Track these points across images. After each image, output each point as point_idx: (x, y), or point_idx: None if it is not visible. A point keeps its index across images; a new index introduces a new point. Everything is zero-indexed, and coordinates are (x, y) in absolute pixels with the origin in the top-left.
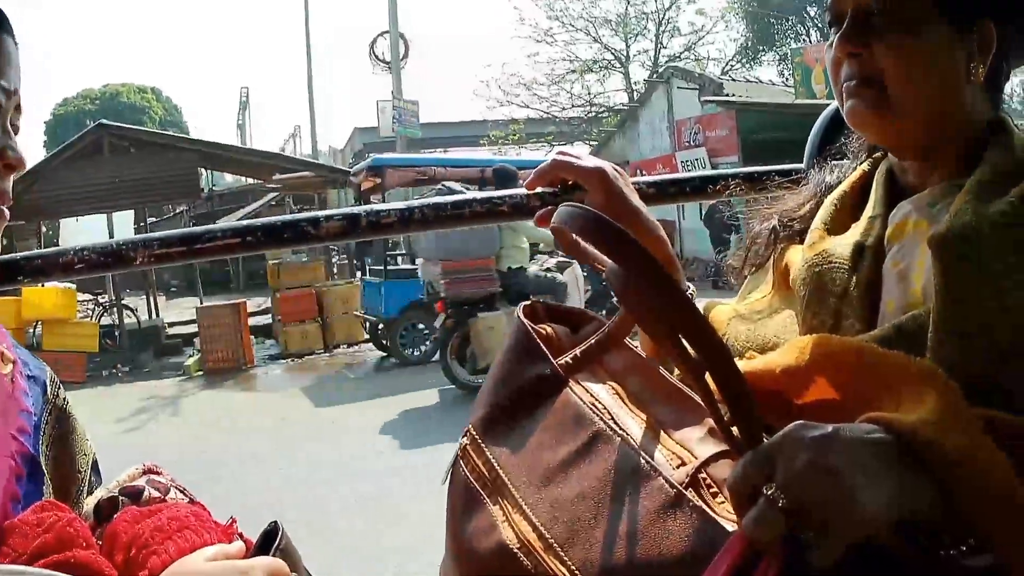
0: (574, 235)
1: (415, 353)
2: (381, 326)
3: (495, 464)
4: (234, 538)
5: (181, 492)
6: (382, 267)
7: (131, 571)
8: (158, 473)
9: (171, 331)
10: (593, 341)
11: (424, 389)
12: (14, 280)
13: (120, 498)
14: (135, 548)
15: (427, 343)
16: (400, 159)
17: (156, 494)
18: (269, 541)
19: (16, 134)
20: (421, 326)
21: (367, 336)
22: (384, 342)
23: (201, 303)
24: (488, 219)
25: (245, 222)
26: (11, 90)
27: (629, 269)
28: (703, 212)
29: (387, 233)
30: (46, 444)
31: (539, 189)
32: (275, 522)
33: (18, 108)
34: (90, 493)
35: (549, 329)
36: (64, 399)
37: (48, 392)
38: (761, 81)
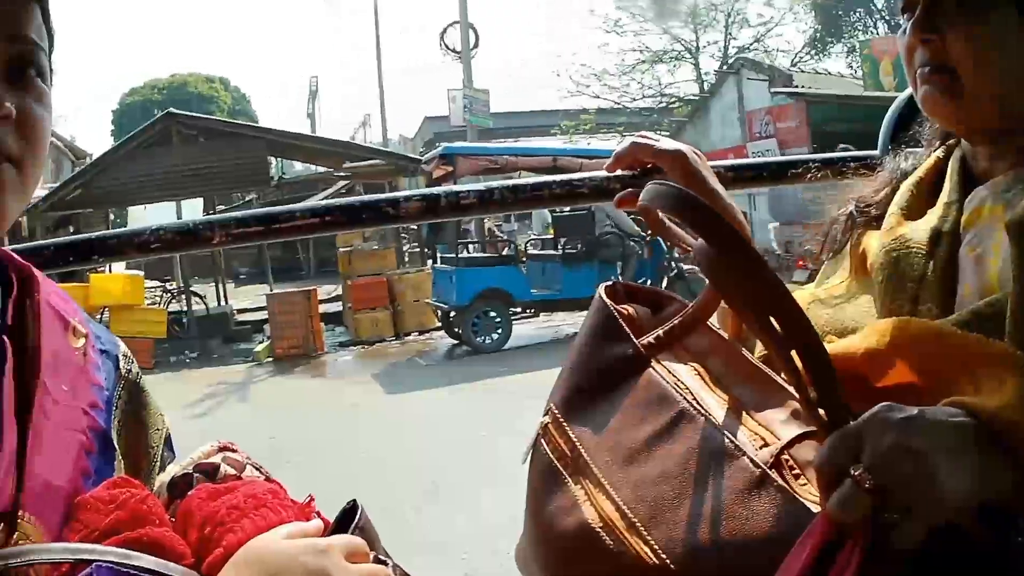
0: (661, 213)
1: (486, 341)
2: (453, 314)
3: (577, 443)
4: (312, 516)
5: (257, 470)
6: (454, 255)
7: (205, 549)
8: (234, 450)
9: (240, 318)
10: (676, 322)
11: (495, 377)
12: (88, 259)
13: (195, 475)
14: (210, 526)
15: (499, 331)
16: (471, 147)
17: (232, 471)
18: (347, 520)
19: (28, 74)
20: (493, 314)
21: (438, 324)
22: (456, 330)
23: (271, 290)
24: (567, 201)
25: (324, 202)
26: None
27: (719, 247)
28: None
29: (466, 214)
30: (118, 419)
31: (618, 172)
32: (354, 500)
33: (16, 38)
34: (162, 469)
35: (631, 309)
36: (137, 374)
37: (121, 367)
38: (830, 73)
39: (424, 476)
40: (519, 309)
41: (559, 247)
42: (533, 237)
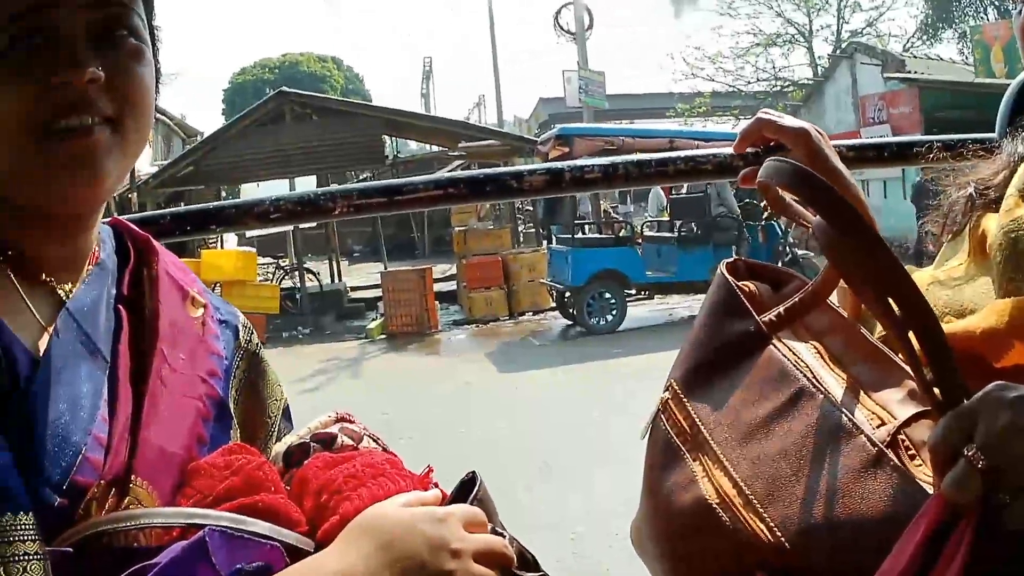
0: (780, 190)
1: (601, 322)
2: (568, 294)
3: (696, 419)
4: (430, 487)
5: (374, 441)
6: (570, 235)
7: (321, 517)
8: (351, 421)
9: (353, 295)
10: (796, 299)
11: (608, 358)
12: (205, 228)
13: (311, 444)
14: (326, 494)
15: (613, 312)
16: (587, 128)
17: (349, 442)
18: (465, 491)
19: (115, 34)
20: (607, 295)
21: (553, 304)
22: (570, 310)
23: (385, 268)
24: (691, 177)
25: (448, 174)
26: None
27: (839, 225)
28: (907, 191)
29: (590, 188)
30: (236, 388)
31: (753, 148)
32: (473, 472)
33: (94, 4)
34: (279, 439)
35: (752, 286)
36: (257, 345)
37: (240, 337)
38: (941, 59)
39: (536, 455)
40: (634, 291)
41: (675, 229)
42: (649, 219)
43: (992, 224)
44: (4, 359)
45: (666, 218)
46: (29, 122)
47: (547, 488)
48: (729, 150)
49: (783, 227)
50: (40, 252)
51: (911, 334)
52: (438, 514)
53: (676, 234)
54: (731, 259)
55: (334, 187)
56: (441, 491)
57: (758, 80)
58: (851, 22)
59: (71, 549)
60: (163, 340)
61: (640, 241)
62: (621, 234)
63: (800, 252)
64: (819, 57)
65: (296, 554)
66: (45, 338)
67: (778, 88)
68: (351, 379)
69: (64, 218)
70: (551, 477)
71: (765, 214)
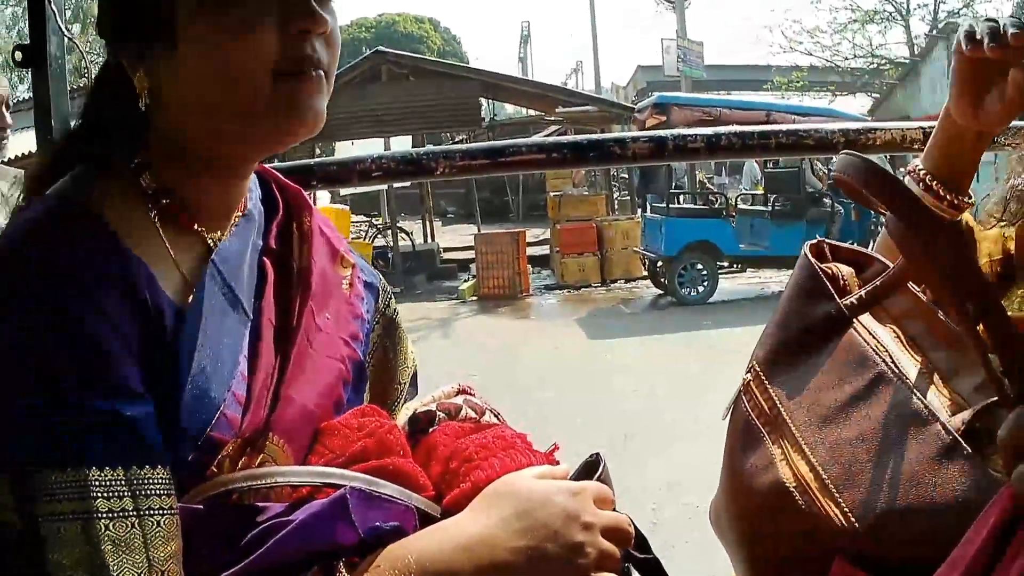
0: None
1: (692, 294)
2: (660, 264)
3: (777, 402)
4: (555, 463)
5: (496, 416)
6: (665, 205)
7: (449, 483)
8: (473, 394)
9: (446, 256)
10: (878, 283)
11: (698, 330)
12: (307, 186)
13: (437, 413)
14: (456, 461)
15: (705, 284)
16: (685, 98)
17: (472, 415)
18: (590, 471)
19: None
20: (700, 266)
21: (645, 273)
22: (662, 280)
23: (479, 230)
24: (793, 151)
25: (552, 138)
26: None
27: (904, 219)
28: (1000, 174)
29: (693, 157)
30: (370, 353)
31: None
32: (597, 454)
33: None
34: (405, 403)
35: (835, 269)
36: (395, 310)
37: (380, 301)
38: None
39: (620, 423)
40: (726, 263)
41: (769, 203)
42: (744, 192)
43: None
44: (152, 310)
45: (760, 192)
46: (270, 63)
47: (628, 457)
48: (831, 126)
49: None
50: (199, 200)
51: (980, 326)
52: (573, 488)
53: (770, 208)
54: (815, 240)
55: (437, 147)
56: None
57: (855, 56)
58: (948, 2)
59: (201, 507)
60: (314, 298)
61: (734, 214)
62: (716, 206)
63: None
64: (916, 36)
65: (426, 518)
66: (189, 289)
67: (874, 66)
68: (441, 339)
69: (239, 162)
70: (633, 446)
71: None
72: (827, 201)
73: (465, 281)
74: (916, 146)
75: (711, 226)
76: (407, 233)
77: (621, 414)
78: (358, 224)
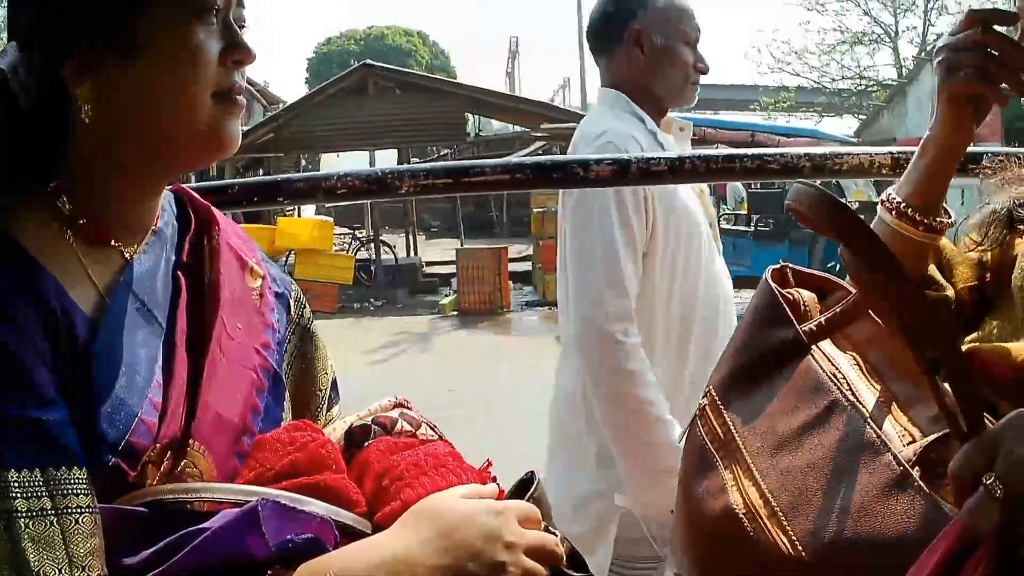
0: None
1: None
2: None
3: (731, 427)
4: (488, 481)
5: (432, 429)
6: None
7: (381, 500)
8: (409, 408)
9: (428, 270)
10: (838, 309)
11: None
12: (274, 200)
13: (373, 427)
14: (388, 479)
15: None
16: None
17: (408, 428)
18: (523, 489)
19: (243, 28)
20: None
21: None
22: None
23: (462, 245)
24: (758, 176)
25: (515, 159)
26: None
27: (854, 249)
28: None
29: (656, 181)
30: (288, 362)
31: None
32: (531, 471)
33: (240, 3)
34: (329, 409)
35: (796, 294)
36: (308, 319)
37: (292, 311)
38: None
39: None
40: None
41: (752, 224)
42: (727, 212)
43: (1020, 251)
44: (63, 321)
45: (744, 212)
46: (211, 88)
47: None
48: (797, 150)
49: None
50: (116, 217)
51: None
52: (495, 507)
53: (753, 228)
54: (777, 266)
55: (402, 166)
56: (498, 486)
57: (843, 78)
58: (937, 24)
59: (145, 510)
60: (223, 309)
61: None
62: None
63: None
64: (904, 59)
65: (354, 534)
66: (104, 303)
67: (862, 87)
68: (420, 353)
69: (161, 179)
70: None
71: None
72: None
73: (446, 296)
74: (884, 171)
75: None
76: (390, 247)
77: None
78: (341, 236)
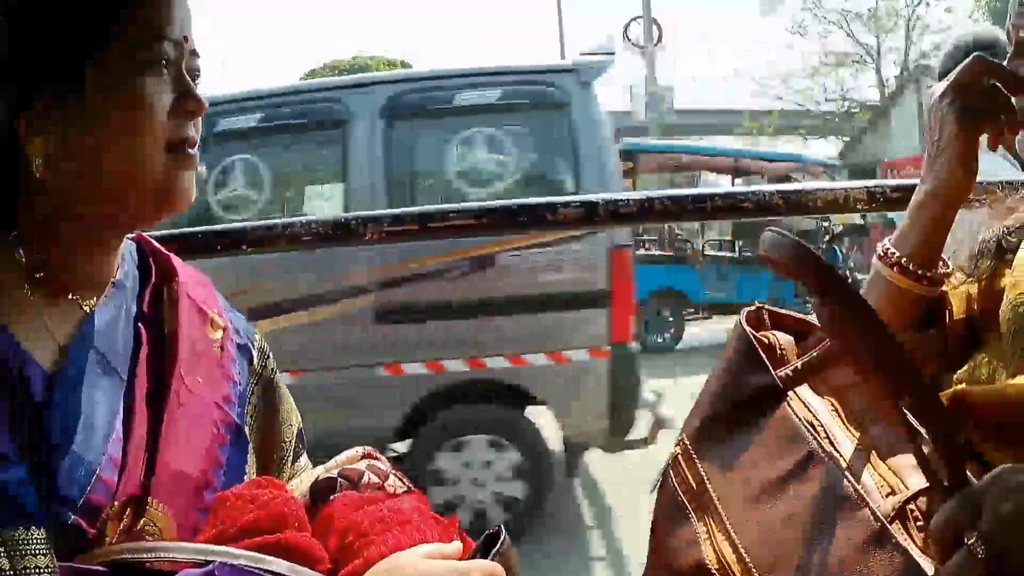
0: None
1: (658, 340)
2: None
3: (705, 478)
4: (454, 536)
5: (400, 480)
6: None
7: (344, 557)
8: (377, 459)
9: None
10: (815, 353)
11: (664, 378)
12: (237, 248)
13: (339, 480)
14: (352, 535)
15: (671, 330)
16: (652, 145)
17: (375, 479)
18: (489, 546)
19: (197, 78)
20: (666, 313)
21: None
22: None
23: None
24: (730, 215)
25: (481, 203)
26: (181, 39)
27: (825, 300)
28: None
29: (625, 223)
30: (251, 414)
31: (781, 187)
32: (499, 526)
33: (194, 53)
34: (295, 460)
35: (772, 337)
36: (272, 370)
37: (255, 362)
38: None
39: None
40: (693, 310)
41: (736, 250)
42: (712, 238)
43: (1007, 288)
44: (18, 378)
45: (729, 238)
46: (163, 140)
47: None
48: (770, 188)
49: (843, 251)
50: (74, 270)
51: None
52: (459, 568)
53: (737, 255)
54: (753, 308)
55: (366, 212)
56: (464, 540)
57: (826, 100)
58: (920, 44)
59: (105, 568)
60: (182, 362)
61: (701, 260)
62: (682, 252)
63: (861, 277)
64: (887, 79)
65: None
66: (62, 357)
67: (846, 109)
68: None
69: (119, 232)
70: (584, 511)
71: (827, 237)
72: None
73: None
74: (860, 206)
75: (678, 272)
76: None
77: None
78: None
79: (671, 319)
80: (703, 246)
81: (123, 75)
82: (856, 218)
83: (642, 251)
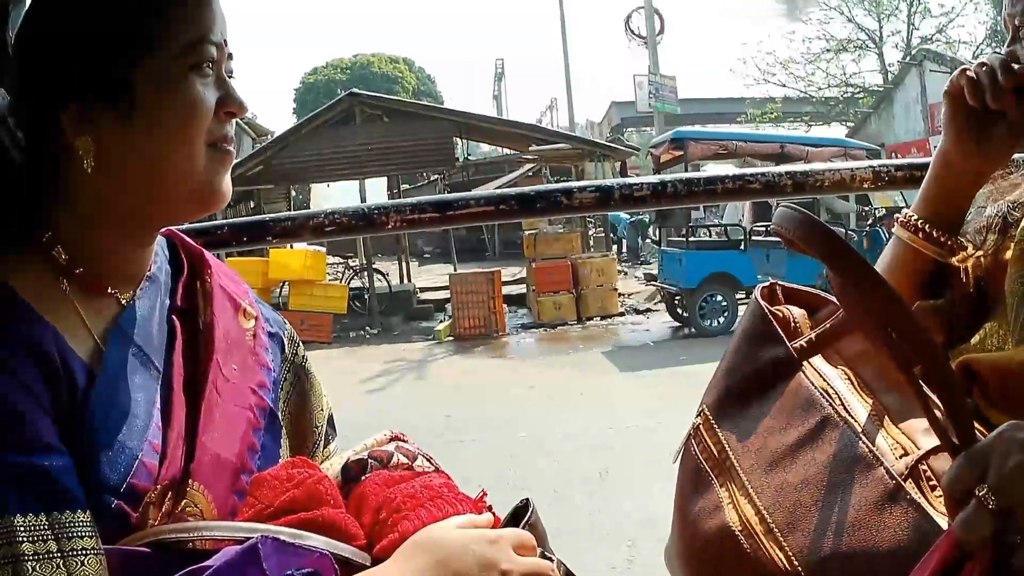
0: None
1: (712, 324)
2: (679, 296)
3: (725, 446)
4: (484, 511)
5: (428, 460)
6: (684, 238)
7: (379, 532)
8: (405, 440)
9: (422, 296)
10: (828, 325)
11: (692, 363)
12: (263, 240)
13: (369, 461)
14: (385, 511)
15: (725, 313)
16: (701, 132)
17: (404, 460)
18: (518, 517)
19: (231, 78)
20: (719, 297)
21: (621, 310)
22: (680, 312)
23: (455, 270)
24: (740, 196)
25: (499, 191)
26: (221, 42)
27: (838, 270)
28: None
29: (640, 206)
30: (284, 400)
31: (792, 168)
32: (527, 499)
33: (229, 56)
34: (326, 445)
35: (785, 311)
36: (303, 357)
37: (286, 350)
38: None
39: (596, 461)
40: (744, 294)
41: None
42: (758, 224)
43: (1011, 256)
44: (62, 369)
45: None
46: (207, 136)
47: (605, 494)
48: (779, 169)
49: (887, 234)
50: (111, 266)
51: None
52: (490, 536)
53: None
54: (767, 283)
55: (388, 201)
56: (494, 515)
57: (829, 86)
58: (921, 28)
59: (148, 549)
60: (218, 351)
61: (750, 245)
62: (732, 238)
63: None
64: (889, 64)
65: (353, 567)
66: (101, 350)
67: (849, 95)
68: (417, 380)
69: (156, 228)
70: (610, 483)
71: (870, 220)
72: (840, 230)
73: (441, 321)
74: (866, 185)
75: (729, 258)
76: (383, 274)
77: (598, 451)
78: (334, 266)
79: (724, 303)
80: (749, 231)
81: (172, 77)
82: (899, 200)
83: (694, 238)
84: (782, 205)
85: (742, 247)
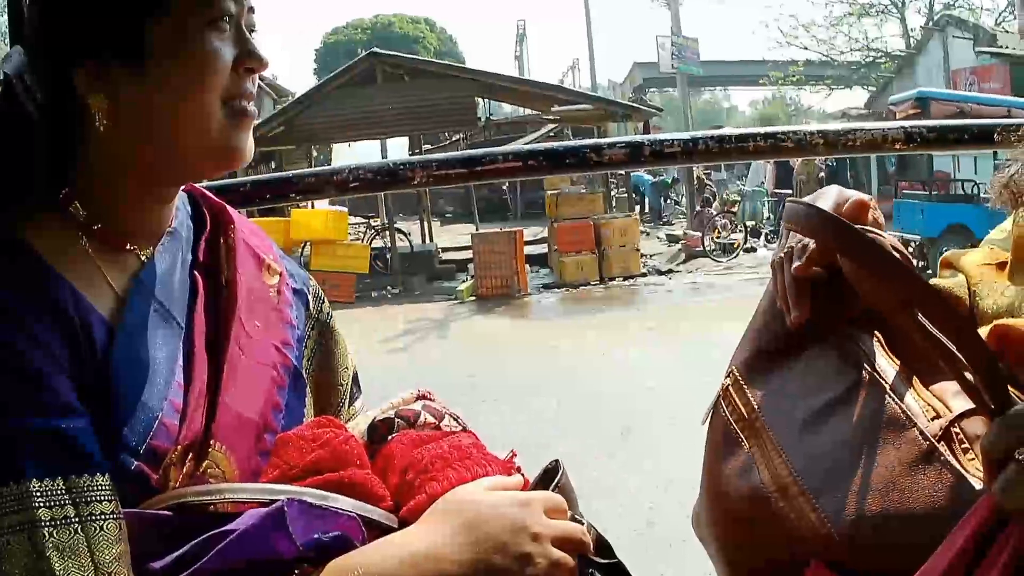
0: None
1: None
2: (912, 246)
3: (756, 406)
4: (513, 472)
5: (455, 420)
6: (925, 191)
7: (406, 494)
8: (432, 399)
9: (444, 256)
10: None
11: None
12: (286, 197)
13: (396, 420)
14: (412, 472)
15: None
16: (944, 94)
17: (431, 420)
18: (548, 478)
19: (252, 33)
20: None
21: (644, 271)
22: (919, 262)
23: (477, 230)
24: (770, 154)
25: (528, 146)
26: None
27: (855, 257)
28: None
29: (670, 162)
30: (308, 357)
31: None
32: (556, 460)
33: (251, 9)
34: (351, 404)
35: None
36: (328, 314)
37: (311, 307)
38: None
39: (617, 421)
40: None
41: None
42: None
43: None
44: (81, 328)
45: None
46: (223, 95)
47: (627, 455)
48: (811, 128)
49: None
50: (131, 222)
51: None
52: (521, 498)
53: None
54: None
55: (413, 157)
56: (523, 476)
57: (851, 50)
58: None
59: (170, 513)
60: (241, 308)
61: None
62: (966, 192)
63: None
64: (912, 29)
65: (381, 529)
66: (122, 307)
67: (870, 59)
68: (439, 339)
69: (175, 185)
70: (631, 444)
71: None
72: None
73: (463, 281)
74: (898, 146)
75: (967, 211)
76: (405, 234)
77: (619, 412)
78: (356, 226)
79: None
80: (976, 187)
81: (187, 32)
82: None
83: (908, 190)
84: (788, 201)
85: (975, 201)
